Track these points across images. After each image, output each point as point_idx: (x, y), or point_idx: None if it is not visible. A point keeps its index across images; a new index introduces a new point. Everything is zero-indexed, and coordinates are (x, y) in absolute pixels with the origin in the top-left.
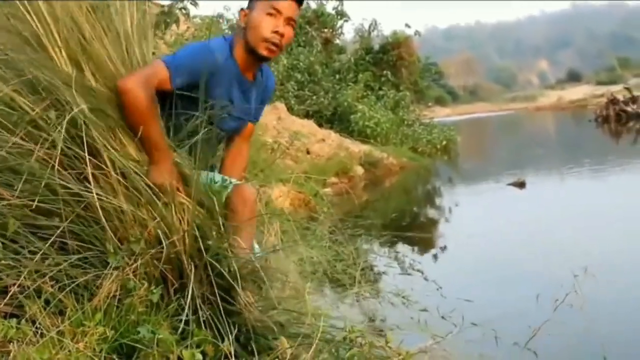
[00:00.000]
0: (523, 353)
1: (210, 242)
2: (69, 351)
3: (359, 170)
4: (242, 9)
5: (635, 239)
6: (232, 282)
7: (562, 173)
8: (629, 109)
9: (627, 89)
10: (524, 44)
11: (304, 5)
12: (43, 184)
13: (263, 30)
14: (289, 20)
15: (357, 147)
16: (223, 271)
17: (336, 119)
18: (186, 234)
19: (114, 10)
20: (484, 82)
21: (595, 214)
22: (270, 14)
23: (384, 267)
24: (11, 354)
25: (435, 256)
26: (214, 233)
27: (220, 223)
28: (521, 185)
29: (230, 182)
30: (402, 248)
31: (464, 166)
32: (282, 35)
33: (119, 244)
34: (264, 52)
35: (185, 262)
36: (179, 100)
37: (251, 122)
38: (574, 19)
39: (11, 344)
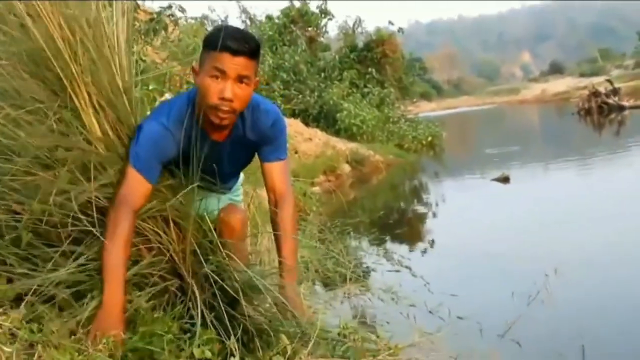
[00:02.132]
0: (507, 343)
1: (209, 257)
2: (88, 354)
3: (346, 168)
4: (192, 67)
5: (614, 234)
6: (233, 294)
7: (545, 167)
8: (610, 101)
9: (609, 81)
10: (506, 37)
11: (292, 4)
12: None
13: (208, 97)
14: (241, 79)
15: (344, 145)
16: (222, 283)
17: (322, 118)
18: (185, 250)
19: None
20: (468, 75)
21: (576, 209)
22: (215, 77)
23: (372, 264)
24: (35, 355)
25: (422, 252)
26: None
27: (217, 243)
28: (505, 180)
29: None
30: (390, 245)
31: (449, 162)
32: (231, 100)
33: None
34: (216, 121)
35: (185, 273)
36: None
37: (270, 162)
38: (555, 11)
39: (32, 347)
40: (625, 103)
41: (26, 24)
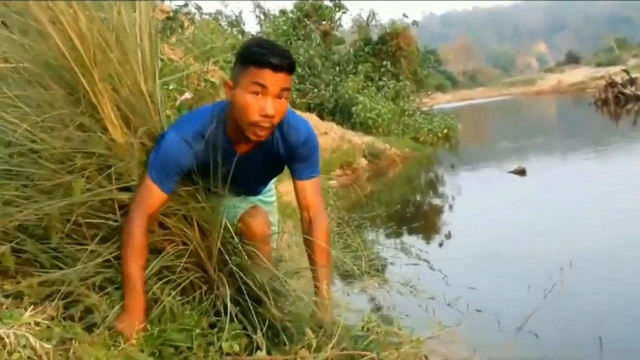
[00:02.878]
0: (524, 336)
1: (232, 257)
2: (122, 349)
3: (363, 161)
4: (225, 82)
5: (630, 226)
6: (258, 292)
7: (562, 159)
8: (627, 91)
9: (625, 71)
10: (521, 28)
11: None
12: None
13: (249, 114)
14: (281, 93)
15: (360, 139)
16: (247, 279)
17: (338, 111)
18: (210, 247)
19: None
20: (483, 67)
21: (593, 201)
22: (255, 93)
23: (390, 257)
24: (71, 351)
25: (440, 245)
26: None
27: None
28: (522, 172)
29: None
30: (408, 238)
31: (465, 154)
32: (273, 117)
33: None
34: (253, 137)
35: (211, 269)
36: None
37: (303, 180)
38: (570, 1)
39: (65, 343)
40: None
41: (45, 29)
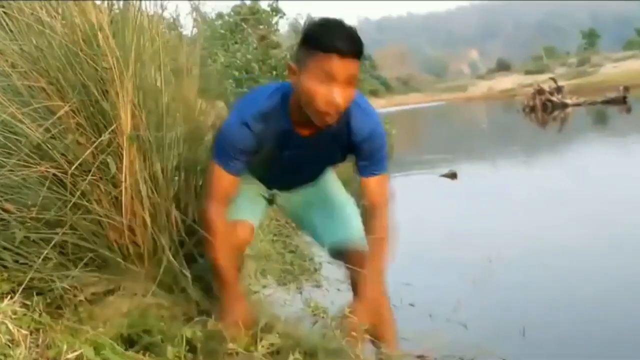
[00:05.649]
0: (454, 326)
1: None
2: (88, 339)
3: None
4: (289, 65)
5: (550, 223)
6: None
7: (491, 163)
8: (554, 98)
9: (553, 79)
10: (454, 34)
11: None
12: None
13: (316, 102)
14: (349, 79)
15: None
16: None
17: None
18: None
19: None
20: (417, 72)
21: (518, 204)
22: (321, 80)
23: (328, 257)
24: (40, 339)
25: None
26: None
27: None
28: (453, 176)
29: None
30: None
31: (400, 158)
32: (340, 106)
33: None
34: (321, 124)
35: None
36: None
37: (367, 177)
38: (503, 9)
39: (39, 331)
40: (568, 101)
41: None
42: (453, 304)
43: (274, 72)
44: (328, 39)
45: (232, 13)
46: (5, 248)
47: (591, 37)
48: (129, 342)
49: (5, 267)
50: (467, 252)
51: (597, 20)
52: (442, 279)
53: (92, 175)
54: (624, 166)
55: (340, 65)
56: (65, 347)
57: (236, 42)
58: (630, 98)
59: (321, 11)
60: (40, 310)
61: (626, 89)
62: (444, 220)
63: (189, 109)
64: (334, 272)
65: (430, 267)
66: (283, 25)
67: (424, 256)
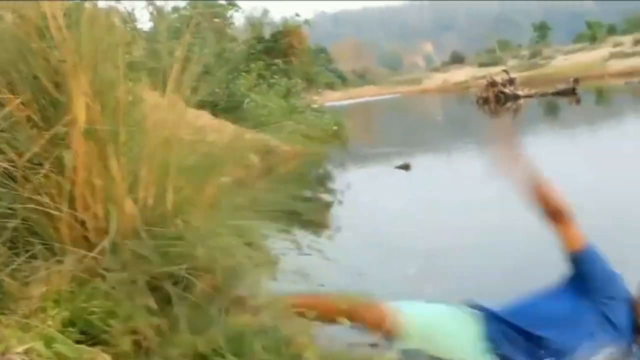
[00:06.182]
0: None
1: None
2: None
3: (255, 158)
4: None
5: (487, 215)
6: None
7: (445, 154)
8: (506, 90)
9: (505, 71)
10: (409, 28)
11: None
12: None
13: None
14: None
15: (252, 136)
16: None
17: (230, 109)
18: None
19: None
20: (373, 65)
21: (466, 194)
22: None
23: (283, 249)
24: None
25: (330, 236)
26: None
27: None
28: (406, 167)
29: None
30: (300, 231)
31: (355, 151)
32: None
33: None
34: None
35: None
36: None
37: None
38: (458, 2)
39: None
40: (520, 92)
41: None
42: (402, 290)
43: (230, 66)
44: None
45: (187, 7)
46: None
47: (542, 30)
48: (81, 332)
49: None
50: (416, 239)
51: (550, 14)
52: (394, 267)
53: (44, 169)
54: (572, 156)
55: None
56: (14, 341)
57: (192, 36)
58: (579, 90)
59: (277, 4)
60: None
61: (576, 80)
62: (396, 209)
63: (145, 102)
64: (290, 263)
65: (384, 255)
66: (239, 19)
67: (378, 245)
